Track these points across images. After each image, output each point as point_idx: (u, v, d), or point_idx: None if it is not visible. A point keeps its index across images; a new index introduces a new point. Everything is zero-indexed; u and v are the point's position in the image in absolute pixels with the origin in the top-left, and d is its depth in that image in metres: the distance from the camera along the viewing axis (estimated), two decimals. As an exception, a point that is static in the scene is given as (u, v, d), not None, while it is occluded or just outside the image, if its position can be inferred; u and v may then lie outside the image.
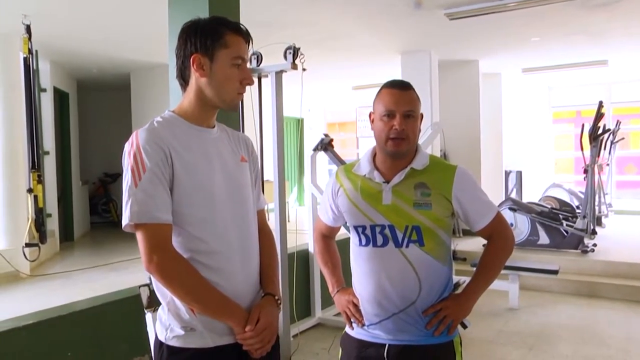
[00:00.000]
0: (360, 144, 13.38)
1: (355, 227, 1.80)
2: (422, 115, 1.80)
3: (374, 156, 1.84)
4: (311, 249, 4.81)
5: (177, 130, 1.54)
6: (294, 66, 3.41)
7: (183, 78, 1.58)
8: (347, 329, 1.89)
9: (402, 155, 1.75)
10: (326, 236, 2.03)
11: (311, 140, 4.84)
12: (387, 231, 1.73)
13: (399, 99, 1.72)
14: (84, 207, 9.34)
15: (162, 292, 1.54)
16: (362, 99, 11.40)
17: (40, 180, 5.45)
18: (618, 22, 6.07)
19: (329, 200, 1.90)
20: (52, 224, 7.18)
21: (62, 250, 7.61)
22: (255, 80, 3.77)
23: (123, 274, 5.97)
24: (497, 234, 1.81)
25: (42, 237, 5.52)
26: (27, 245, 5.43)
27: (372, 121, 1.80)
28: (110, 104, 10.17)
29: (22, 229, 5.68)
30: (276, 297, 1.64)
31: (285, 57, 3.44)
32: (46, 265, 6.52)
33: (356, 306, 1.81)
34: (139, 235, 1.45)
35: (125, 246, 7.34)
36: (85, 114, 9.69)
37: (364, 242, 1.78)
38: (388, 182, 1.76)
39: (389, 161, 1.78)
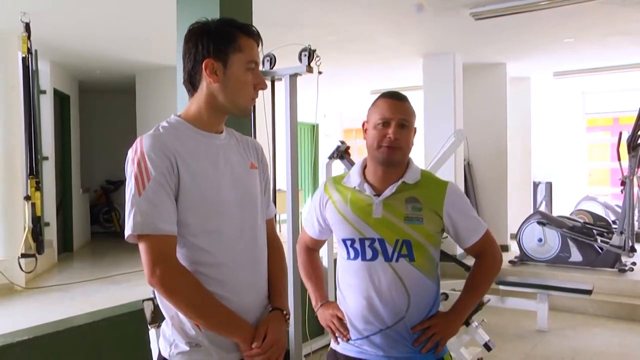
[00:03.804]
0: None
1: (344, 240, 1.87)
2: (415, 130, 1.88)
3: (364, 168, 1.92)
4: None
5: (183, 136, 1.56)
6: (310, 69, 3.42)
7: (191, 83, 1.60)
8: (333, 344, 1.95)
9: (393, 165, 1.84)
10: (311, 249, 2.12)
11: (326, 147, 4.86)
12: (376, 245, 1.81)
13: (395, 108, 1.83)
14: (84, 216, 9.42)
15: (166, 306, 1.56)
16: (381, 104, 11.37)
17: (38, 187, 5.53)
18: (661, 21, 6.00)
19: (316, 212, 1.99)
20: (50, 234, 7.25)
21: (60, 261, 7.67)
22: (269, 83, 3.79)
23: (125, 287, 6.01)
24: (486, 252, 1.92)
25: (40, 248, 5.58)
26: (23, 255, 5.48)
27: (365, 130, 1.90)
28: (114, 107, 10.26)
29: (18, 238, 5.73)
30: (284, 312, 1.66)
31: (300, 59, 3.45)
32: (43, 278, 6.58)
33: (340, 320, 1.89)
34: (142, 247, 1.47)
35: (127, 258, 7.38)
36: (87, 117, 9.79)
37: (352, 255, 1.85)
38: (378, 195, 1.84)
39: (380, 171, 1.86)
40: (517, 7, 5.19)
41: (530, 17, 5.60)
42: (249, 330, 1.55)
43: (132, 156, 1.50)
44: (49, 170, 7.32)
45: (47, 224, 6.96)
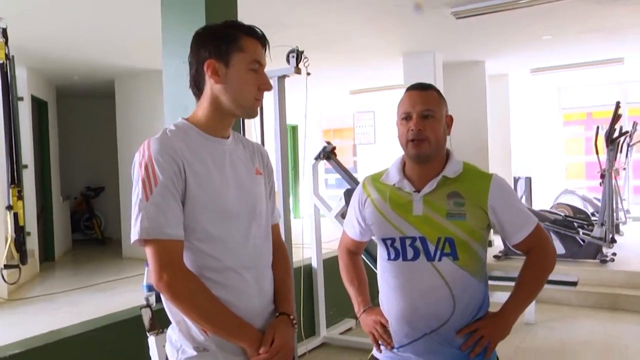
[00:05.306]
0: (358, 151, 13.35)
1: (384, 240, 1.79)
2: (451, 118, 1.81)
3: (403, 165, 1.84)
4: (314, 264, 4.80)
5: (190, 140, 1.55)
6: (298, 70, 3.42)
7: (197, 87, 1.60)
8: (375, 352, 1.88)
9: (425, 159, 1.75)
10: (352, 252, 2.02)
11: (305, 147, 4.84)
12: (418, 243, 1.72)
13: (415, 100, 1.75)
14: (65, 224, 9.28)
15: (173, 311, 1.55)
16: (361, 103, 11.41)
17: (20, 196, 5.40)
18: (637, 18, 6.10)
19: (356, 212, 1.90)
20: (32, 243, 7.12)
21: (42, 271, 7.55)
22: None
23: (110, 295, 5.93)
24: (537, 248, 1.82)
25: (23, 258, 5.44)
26: (6, 267, 5.36)
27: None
28: (93, 113, 10.12)
29: (1, 249, 5.61)
30: (291, 317, 1.65)
31: (288, 61, 3.44)
32: (25, 288, 6.46)
33: (384, 327, 1.81)
34: (149, 252, 1.46)
35: (110, 265, 7.29)
36: (66, 124, 9.65)
37: (392, 255, 1.77)
38: (418, 191, 1.76)
39: (417, 168, 1.78)
40: (498, 5, 5.24)
41: (510, 15, 5.65)
42: (256, 335, 1.54)
43: (139, 159, 1.49)
44: (28, 179, 7.18)
45: (29, 234, 6.85)
